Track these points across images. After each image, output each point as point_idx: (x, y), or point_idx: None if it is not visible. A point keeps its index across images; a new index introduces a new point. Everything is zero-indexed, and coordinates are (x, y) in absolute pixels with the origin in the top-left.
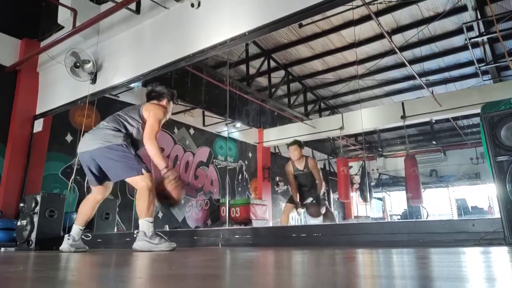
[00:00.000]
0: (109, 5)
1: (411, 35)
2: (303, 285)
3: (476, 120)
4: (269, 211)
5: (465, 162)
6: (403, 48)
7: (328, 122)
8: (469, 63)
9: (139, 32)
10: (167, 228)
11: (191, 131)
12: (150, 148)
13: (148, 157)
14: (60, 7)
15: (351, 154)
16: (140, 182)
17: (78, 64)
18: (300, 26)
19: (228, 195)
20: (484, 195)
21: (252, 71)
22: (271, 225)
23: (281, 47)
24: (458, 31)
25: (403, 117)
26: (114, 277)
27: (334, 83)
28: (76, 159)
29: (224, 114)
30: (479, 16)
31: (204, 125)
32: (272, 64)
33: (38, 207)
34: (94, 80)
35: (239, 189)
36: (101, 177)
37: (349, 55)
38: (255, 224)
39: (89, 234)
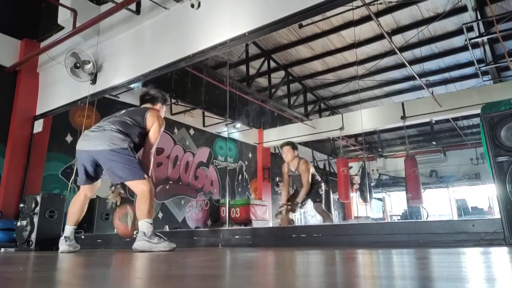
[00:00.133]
0: (109, 5)
1: (411, 35)
2: (303, 285)
3: (476, 120)
4: (269, 211)
5: (465, 162)
6: (403, 49)
7: (328, 122)
8: (469, 63)
9: (139, 33)
10: (167, 228)
11: (191, 131)
12: (151, 157)
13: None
14: (60, 8)
15: (351, 154)
16: (141, 186)
17: (78, 65)
18: (300, 26)
19: (228, 195)
20: (484, 196)
21: (252, 71)
22: (271, 225)
23: (281, 47)
24: (458, 32)
25: (403, 117)
26: (114, 277)
27: (334, 83)
28: (76, 160)
29: (224, 115)
30: (479, 17)
31: (204, 125)
32: (272, 64)
33: (38, 208)
34: (94, 81)
35: (239, 189)
36: (93, 177)
37: (349, 56)
38: (255, 224)
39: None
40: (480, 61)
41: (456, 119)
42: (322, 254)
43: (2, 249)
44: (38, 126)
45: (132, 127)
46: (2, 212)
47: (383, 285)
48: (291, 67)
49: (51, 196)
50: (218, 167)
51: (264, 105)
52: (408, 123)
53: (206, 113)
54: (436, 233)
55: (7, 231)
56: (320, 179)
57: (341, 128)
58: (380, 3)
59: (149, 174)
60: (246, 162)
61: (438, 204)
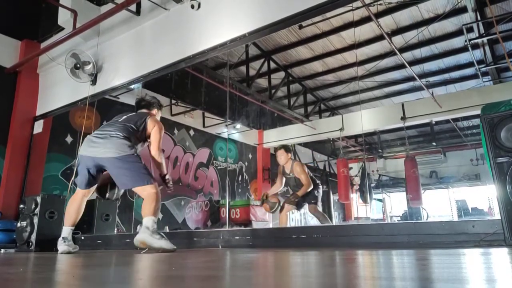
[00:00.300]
0: (109, 6)
1: (411, 36)
2: (303, 286)
3: (476, 121)
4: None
5: (465, 163)
6: (403, 50)
7: (328, 123)
8: (469, 64)
9: (139, 34)
10: (167, 229)
11: (191, 132)
12: (159, 158)
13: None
14: (60, 8)
15: (351, 155)
16: (149, 190)
17: (78, 66)
18: (300, 27)
19: (228, 196)
20: (484, 196)
21: (252, 72)
22: (271, 226)
23: (281, 48)
24: (458, 33)
25: (403, 118)
26: (115, 278)
27: (334, 84)
28: (76, 161)
29: (224, 116)
30: (479, 18)
31: (204, 126)
32: (272, 65)
33: (38, 209)
34: (94, 82)
35: (239, 190)
36: (94, 182)
37: (349, 57)
38: (255, 225)
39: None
40: (480, 62)
41: (456, 120)
42: (322, 255)
43: (2, 250)
44: (38, 127)
45: (135, 132)
46: (2, 213)
47: (383, 286)
48: (291, 68)
49: (51, 197)
50: (218, 168)
51: (264, 106)
52: (408, 124)
53: (206, 114)
54: (436, 234)
55: (7, 232)
56: (318, 182)
57: (341, 129)
58: (380, 4)
59: (166, 173)
60: (246, 163)
61: (438, 205)
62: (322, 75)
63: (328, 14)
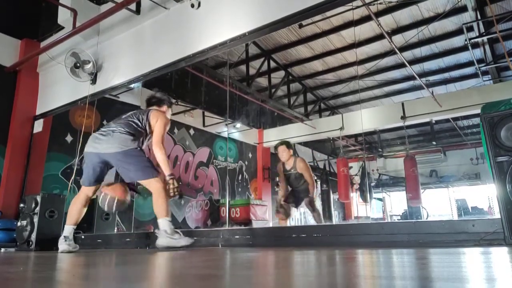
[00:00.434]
0: (109, 5)
1: (411, 35)
2: (303, 285)
3: (476, 120)
4: (269, 211)
5: (465, 162)
6: (403, 49)
7: (328, 122)
8: (469, 63)
9: (139, 33)
10: None
11: (191, 131)
12: (159, 154)
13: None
14: (60, 8)
15: (351, 154)
16: (155, 184)
17: (78, 65)
18: (300, 26)
19: (228, 195)
20: (484, 196)
21: (252, 71)
22: (271, 225)
23: (281, 47)
24: (458, 32)
25: (403, 117)
26: (115, 277)
27: (334, 83)
28: (76, 160)
29: (224, 115)
30: (479, 17)
31: (204, 125)
32: (272, 64)
33: (38, 208)
34: (94, 81)
35: (239, 189)
36: (100, 179)
37: (349, 56)
38: (255, 224)
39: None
40: (480, 61)
41: (456, 119)
42: (322, 254)
43: (2, 249)
44: (38, 126)
45: (138, 127)
46: (2, 212)
47: (383, 285)
48: (291, 67)
49: (51, 196)
50: (218, 167)
51: (264, 105)
52: (408, 123)
53: (206, 113)
54: (436, 233)
55: (7, 231)
56: (315, 178)
57: (341, 128)
58: (380, 3)
59: (170, 173)
60: (246, 162)
61: (438, 204)
62: (322, 74)
63: (328, 13)
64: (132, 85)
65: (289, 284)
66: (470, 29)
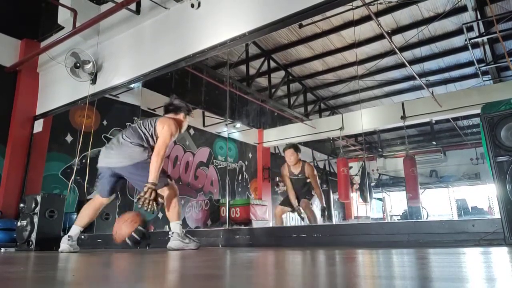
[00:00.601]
0: (109, 5)
1: (411, 35)
2: (303, 285)
3: (476, 120)
4: (269, 211)
5: (465, 162)
6: (403, 49)
7: (328, 122)
8: (469, 63)
9: (139, 33)
10: (167, 228)
11: (191, 131)
12: (154, 161)
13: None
14: (60, 8)
15: (351, 154)
16: (167, 191)
17: (78, 65)
18: (300, 26)
19: (228, 195)
20: (484, 196)
21: (252, 71)
22: (271, 225)
23: (281, 47)
24: (458, 32)
25: (403, 117)
26: (115, 277)
27: (334, 83)
28: (76, 160)
29: (224, 115)
30: (479, 17)
31: (204, 125)
32: (272, 64)
33: (38, 208)
34: (94, 81)
35: (239, 189)
36: (115, 191)
37: (349, 56)
38: (255, 224)
39: (86, 236)
40: (480, 61)
41: (456, 119)
42: (322, 254)
43: (2, 249)
44: (38, 126)
45: (146, 136)
46: (2, 212)
47: (383, 285)
48: (291, 67)
49: (51, 196)
50: (218, 167)
51: (264, 105)
52: (408, 123)
53: (206, 113)
54: (436, 233)
55: (7, 231)
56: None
57: (341, 128)
58: (380, 3)
59: (153, 182)
60: (246, 162)
61: (438, 204)
62: (322, 74)
63: (328, 13)
64: (132, 85)
65: (289, 284)
66: (470, 29)
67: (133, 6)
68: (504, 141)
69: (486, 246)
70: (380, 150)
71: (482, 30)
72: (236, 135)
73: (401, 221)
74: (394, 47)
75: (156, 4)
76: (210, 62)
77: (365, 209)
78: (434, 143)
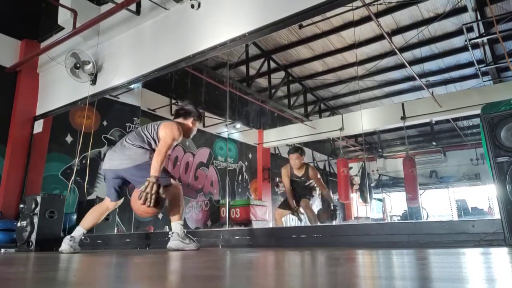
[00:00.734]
0: (109, 6)
1: (411, 36)
2: (303, 285)
3: (476, 121)
4: (269, 212)
5: (465, 163)
6: (403, 49)
7: (328, 123)
8: (469, 64)
9: (139, 33)
10: (167, 229)
11: None
12: (155, 159)
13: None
14: (60, 8)
15: (351, 155)
16: (170, 191)
17: (78, 65)
18: (300, 27)
19: (228, 196)
20: (484, 196)
21: (252, 72)
22: (271, 226)
23: (281, 48)
24: (458, 32)
25: (403, 118)
26: (115, 277)
27: (334, 84)
28: (76, 160)
29: (224, 115)
30: (479, 17)
31: (204, 126)
32: (272, 65)
33: (38, 208)
34: (94, 81)
35: (239, 190)
36: (122, 194)
37: (349, 56)
38: (255, 225)
39: (87, 238)
40: (480, 61)
41: (456, 119)
42: (322, 254)
43: (2, 250)
44: (38, 127)
45: (148, 139)
46: (2, 212)
47: (383, 285)
48: (291, 67)
49: (51, 197)
50: (218, 167)
51: (264, 106)
52: (408, 123)
53: (206, 114)
54: (436, 234)
55: (7, 231)
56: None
57: (341, 129)
58: (380, 4)
59: (156, 175)
60: (246, 163)
61: (438, 205)
62: (322, 74)
63: (328, 14)
64: (132, 86)
65: (289, 284)
66: (470, 29)
67: (133, 7)
68: (504, 141)
69: (486, 247)
70: (380, 150)
71: (482, 30)
72: (236, 136)
73: (401, 221)
74: (394, 47)
75: (156, 4)
76: (210, 62)
77: (365, 210)
78: (434, 143)
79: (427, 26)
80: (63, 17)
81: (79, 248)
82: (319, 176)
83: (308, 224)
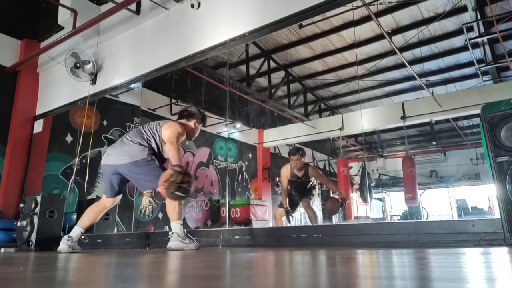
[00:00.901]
0: (109, 5)
1: (411, 35)
2: (303, 285)
3: (476, 120)
4: (269, 211)
5: (465, 162)
6: (403, 49)
7: (328, 122)
8: (469, 63)
9: (139, 33)
10: (167, 229)
11: None
12: (170, 148)
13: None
14: (60, 8)
15: (351, 154)
16: None
17: (78, 65)
18: (300, 26)
19: (228, 195)
20: (484, 196)
21: (252, 71)
22: (271, 225)
23: (281, 47)
24: (458, 32)
25: (403, 117)
26: (114, 277)
27: (334, 83)
28: (76, 160)
29: (224, 115)
30: (479, 17)
31: (204, 125)
32: (272, 64)
33: (38, 208)
34: (94, 81)
35: (239, 189)
36: (119, 191)
37: (349, 56)
38: (255, 224)
39: (86, 237)
40: (480, 61)
41: (456, 119)
42: (322, 254)
43: (2, 249)
44: (38, 126)
45: (148, 137)
46: (2, 212)
47: (383, 285)
48: (291, 67)
49: (51, 196)
50: (218, 167)
51: (264, 105)
52: (408, 123)
53: (206, 113)
54: (436, 233)
55: (7, 231)
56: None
57: (341, 128)
58: (380, 3)
59: (176, 164)
60: (246, 162)
61: (438, 204)
62: (322, 74)
63: (328, 14)
64: (132, 85)
65: (289, 284)
66: (470, 29)
67: (133, 7)
68: (504, 141)
69: (486, 246)
70: (380, 150)
71: (482, 30)
72: (236, 135)
73: (401, 221)
74: (394, 47)
75: (156, 4)
76: (210, 62)
77: (365, 209)
78: (434, 143)
79: (427, 25)
80: (63, 17)
81: (79, 247)
82: (320, 172)
83: (309, 223)
